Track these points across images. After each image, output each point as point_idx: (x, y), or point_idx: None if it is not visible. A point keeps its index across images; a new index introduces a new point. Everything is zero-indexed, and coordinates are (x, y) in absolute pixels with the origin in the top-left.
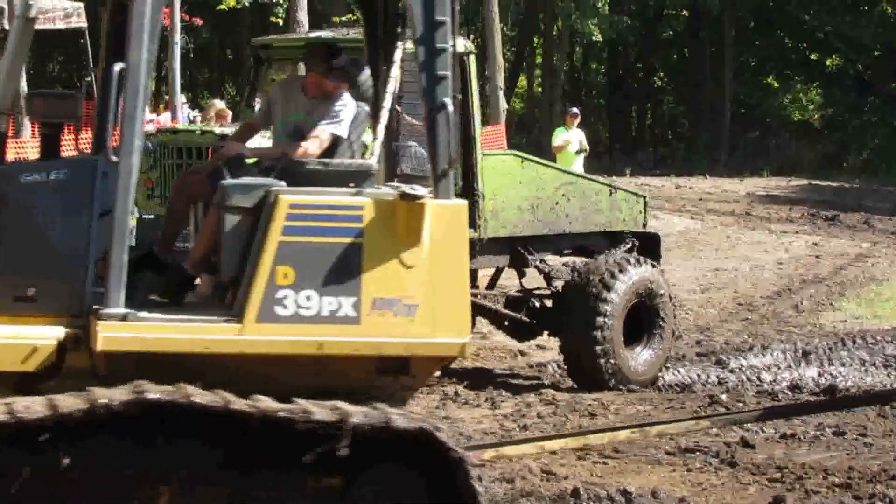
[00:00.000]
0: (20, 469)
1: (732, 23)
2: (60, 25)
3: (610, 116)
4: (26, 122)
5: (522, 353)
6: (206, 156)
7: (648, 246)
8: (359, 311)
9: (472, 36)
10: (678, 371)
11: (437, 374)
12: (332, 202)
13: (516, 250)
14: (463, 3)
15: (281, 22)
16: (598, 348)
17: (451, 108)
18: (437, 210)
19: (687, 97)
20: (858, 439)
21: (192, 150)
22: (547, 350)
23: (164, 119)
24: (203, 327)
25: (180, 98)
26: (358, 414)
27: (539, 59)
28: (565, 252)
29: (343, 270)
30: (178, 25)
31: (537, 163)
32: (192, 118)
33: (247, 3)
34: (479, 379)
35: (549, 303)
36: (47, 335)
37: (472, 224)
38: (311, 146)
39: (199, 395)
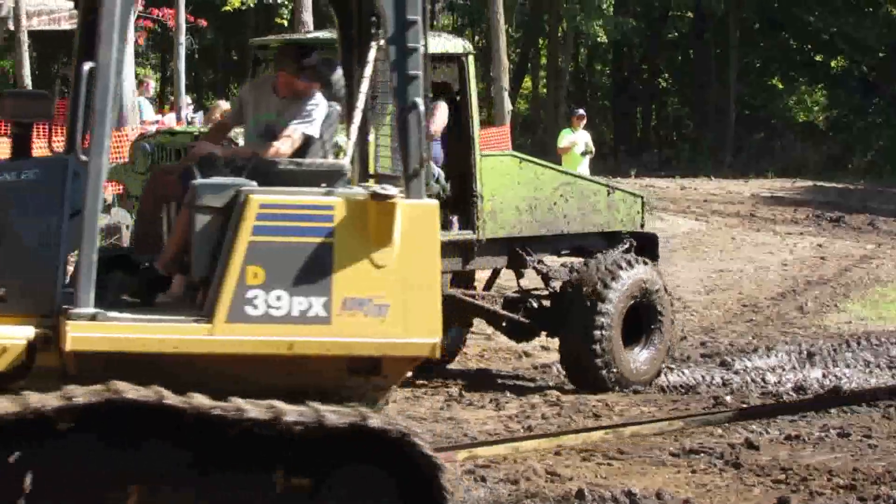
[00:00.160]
0: None
1: (737, 24)
2: (66, 26)
3: (615, 118)
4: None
5: (527, 355)
6: None
7: (646, 246)
8: (329, 311)
9: (476, 37)
10: (683, 372)
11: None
12: (303, 202)
13: (514, 251)
14: (468, 4)
15: (286, 23)
16: (597, 350)
17: (422, 107)
18: (409, 210)
19: (692, 98)
20: (863, 441)
21: None
22: (551, 351)
23: (169, 120)
24: (173, 327)
25: (185, 99)
26: (292, 413)
27: (544, 61)
28: (563, 252)
29: (314, 270)
30: (183, 27)
31: (535, 163)
32: (190, 119)
33: (252, 4)
34: (483, 380)
35: (547, 303)
36: (17, 335)
37: (471, 225)
38: (283, 146)
39: (132, 391)
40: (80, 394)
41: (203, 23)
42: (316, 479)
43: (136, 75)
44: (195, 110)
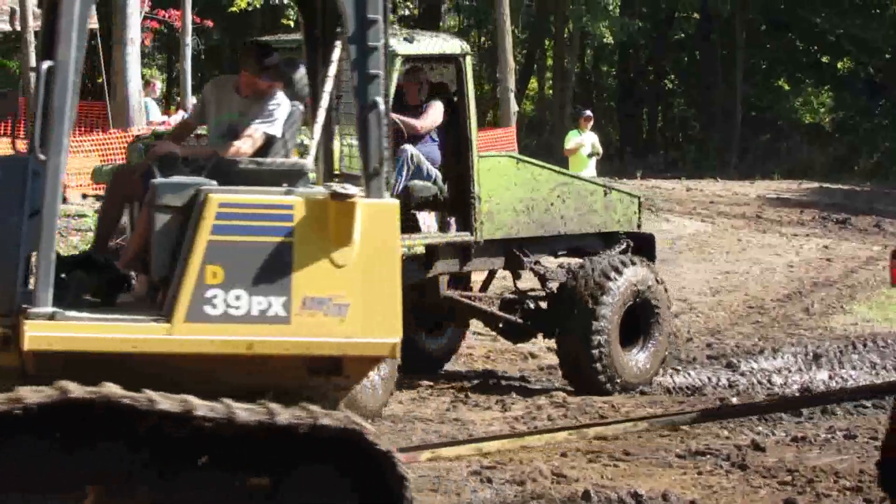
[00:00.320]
0: None
1: (743, 25)
2: None
3: (620, 119)
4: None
5: (533, 356)
6: None
7: (643, 246)
8: (289, 311)
9: (482, 38)
10: (689, 374)
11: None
12: (263, 201)
13: (511, 252)
14: (474, 5)
15: (292, 24)
16: (595, 351)
17: (382, 106)
18: (369, 209)
19: (698, 100)
20: (869, 443)
21: None
22: None
23: (175, 121)
24: (131, 327)
25: (191, 99)
26: (202, 407)
27: (550, 62)
28: (560, 253)
29: (273, 270)
30: (190, 27)
31: (532, 164)
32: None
33: (258, 5)
34: (489, 381)
35: (544, 305)
36: None
37: (468, 227)
38: (244, 145)
39: (34, 393)
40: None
41: (209, 23)
42: (274, 479)
43: (143, 76)
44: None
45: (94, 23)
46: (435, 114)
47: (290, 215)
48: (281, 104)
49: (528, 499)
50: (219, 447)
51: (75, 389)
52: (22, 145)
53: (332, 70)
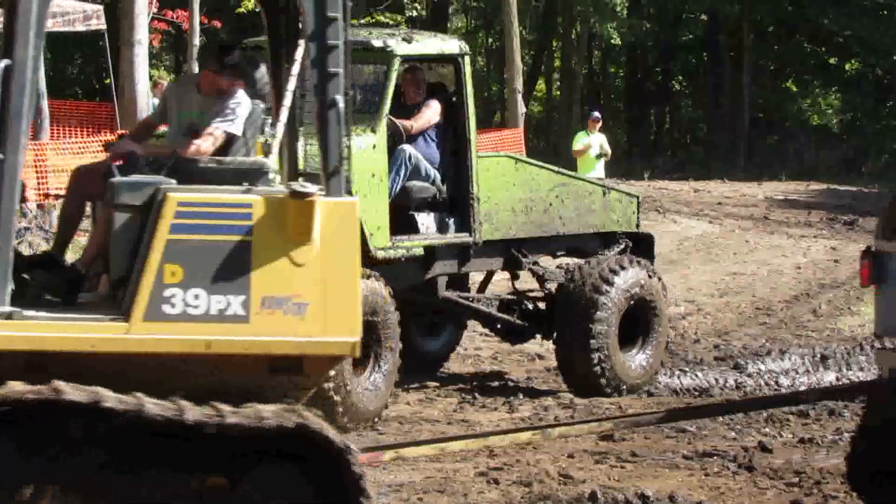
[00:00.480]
0: None
1: (751, 27)
2: (80, 28)
3: (628, 120)
4: (46, 126)
5: (540, 357)
6: None
7: (642, 246)
8: (248, 310)
9: (490, 39)
10: (696, 375)
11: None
12: (221, 200)
13: (510, 253)
14: (481, 6)
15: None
16: (593, 352)
17: (342, 105)
18: (328, 208)
19: (705, 101)
20: None
21: None
22: None
23: None
24: (89, 326)
25: None
26: (111, 399)
27: (557, 63)
28: (559, 254)
29: (232, 269)
30: (197, 28)
31: (531, 164)
32: None
33: None
34: (496, 383)
35: (542, 305)
36: None
37: (467, 228)
38: (205, 144)
39: None
40: None
41: (217, 24)
42: (232, 478)
43: (151, 77)
44: None
45: (101, 24)
46: (430, 113)
47: (248, 214)
48: (242, 103)
49: (534, 500)
50: (171, 447)
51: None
52: None
53: (296, 69)
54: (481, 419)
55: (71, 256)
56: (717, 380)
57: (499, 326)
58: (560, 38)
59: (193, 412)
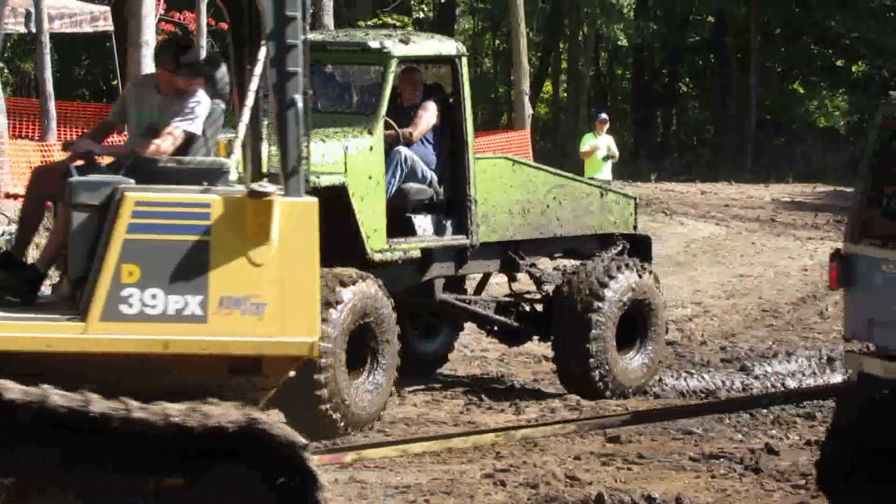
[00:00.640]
0: None
1: (758, 29)
2: (87, 29)
3: (635, 122)
4: (53, 127)
5: (547, 359)
6: None
7: (640, 248)
8: (205, 310)
9: (497, 41)
10: (703, 377)
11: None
12: (179, 199)
13: (507, 255)
14: (488, 8)
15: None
16: (591, 355)
17: (300, 104)
18: (287, 207)
19: (712, 103)
20: None
21: None
22: None
23: None
24: (46, 326)
25: None
26: (15, 391)
27: (564, 65)
28: (556, 255)
29: (190, 269)
30: (204, 30)
31: (528, 166)
32: None
33: None
34: (503, 384)
35: (539, 307)
36: None
37: (464, 230)
38: (164, 143)
39: None
40: None
41: (224, 26)
42: (188, 478)
43: None
44: None
45: (108, 25)
46: (428, 117)
47: (207, 214)
48: (201, 102)
49: (541, 502)
50: (125, 447)
51: None
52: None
53: (258, 69)
54: (487, 421)
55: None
56: (723, 382)
57: (495, 328)
58: (567, 40)
59: (99, 405)
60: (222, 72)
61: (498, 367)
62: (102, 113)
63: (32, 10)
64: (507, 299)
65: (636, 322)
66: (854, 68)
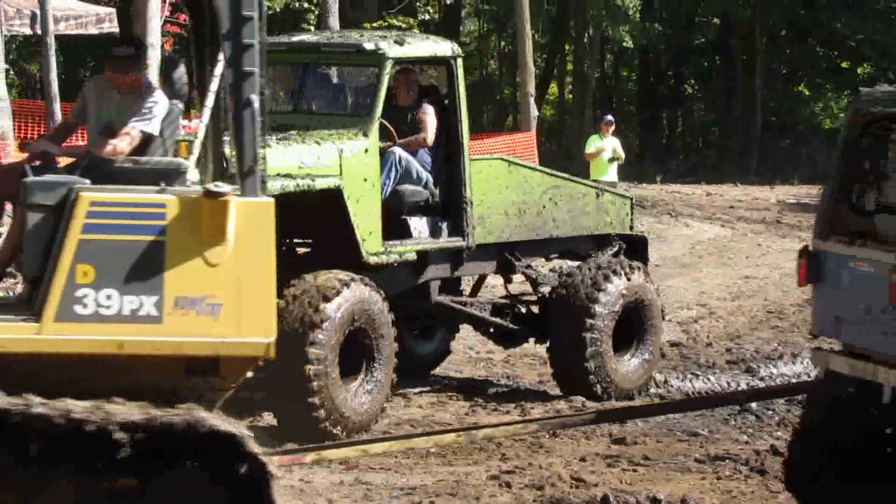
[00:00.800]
0: None
1: (763, 31)
2: (93, 31)
3: (640, 124)
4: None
5: None
6: None
7: (636, 248)
8: (161, 311)
9: (503, 43)
10: (708, 379)
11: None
12: (135, 200)
13: (503, 256)
14: (494, 9)
15: (312, 28)
16: (588, 357)
17: (256, 104)
18: (243, 208)
19: (718, 105)
20: None
21: None
22: None
23: (196, 125)
24: (0, 326)
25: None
26: (39, 406)
27: (570, 67)
28: (552, 257)
29: (145, 269)
30: None
31: (524, 167)
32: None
33: (278, 10)
34: (508, 386)
35: (535, 309)
36: None
37: (461, 232)
38: (121, 143)
39: None
40: None
41: None
42: (142, 480)
43: None
44: None
45: (114, 27)
46: (430, 119)
47: (162, 214)
48: (159, 102)
49: (546, 503)
50: (80, 448)
51: None
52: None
53: (219, 70)
54: (493, 422)
55: None
56: (728, 383)
57: (492, 330)
58: (572, 42)
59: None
60: (180, 72)
61: (503, 368)
62: None
63: (38, 11)
64: (503, 301)
65: (633, 322)
66: (859, 70)
